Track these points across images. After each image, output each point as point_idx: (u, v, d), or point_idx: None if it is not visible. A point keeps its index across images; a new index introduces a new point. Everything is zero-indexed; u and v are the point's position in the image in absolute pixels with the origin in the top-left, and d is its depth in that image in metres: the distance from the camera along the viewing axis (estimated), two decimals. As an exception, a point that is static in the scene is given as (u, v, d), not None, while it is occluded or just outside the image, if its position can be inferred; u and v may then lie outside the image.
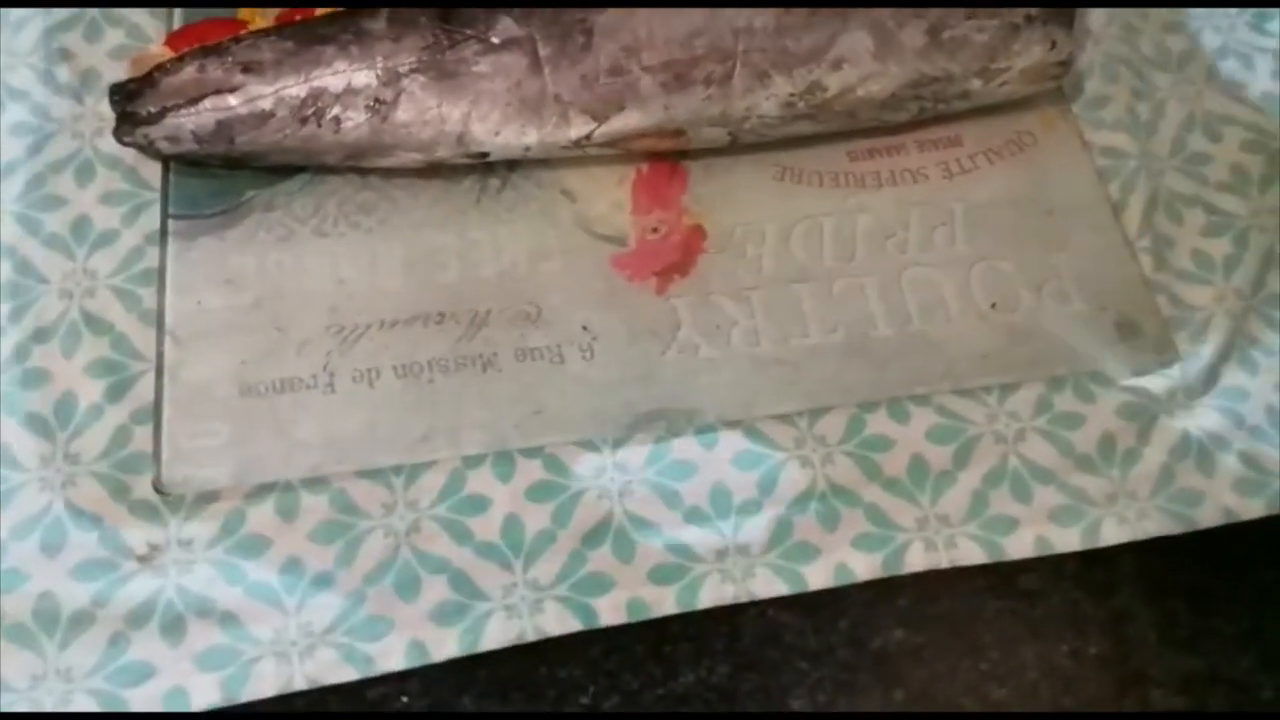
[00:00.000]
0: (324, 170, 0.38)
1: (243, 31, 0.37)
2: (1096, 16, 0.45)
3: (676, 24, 0.37)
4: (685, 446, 0.35)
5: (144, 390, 0.35)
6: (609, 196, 0.39)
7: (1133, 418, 0.37)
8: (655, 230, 0.39)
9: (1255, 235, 0.40)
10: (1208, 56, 0.44)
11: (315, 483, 0.34)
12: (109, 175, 0.38)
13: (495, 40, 0.36)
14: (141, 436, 0.34)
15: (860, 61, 0.38)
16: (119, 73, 0.39)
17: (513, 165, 0.39)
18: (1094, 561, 0.35)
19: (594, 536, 0.34)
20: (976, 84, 0.40)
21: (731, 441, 0.36)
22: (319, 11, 0.38)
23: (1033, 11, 0.39)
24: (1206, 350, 0.38)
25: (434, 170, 0.39)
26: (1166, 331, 0.38)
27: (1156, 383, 0.37)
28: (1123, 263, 0.40)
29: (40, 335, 0.35)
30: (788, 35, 0.38)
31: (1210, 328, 0.38)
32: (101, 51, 0.40)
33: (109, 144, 0.37)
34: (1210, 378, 0.38)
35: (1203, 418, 0.37)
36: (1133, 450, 0.36)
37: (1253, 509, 0.35)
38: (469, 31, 0.36)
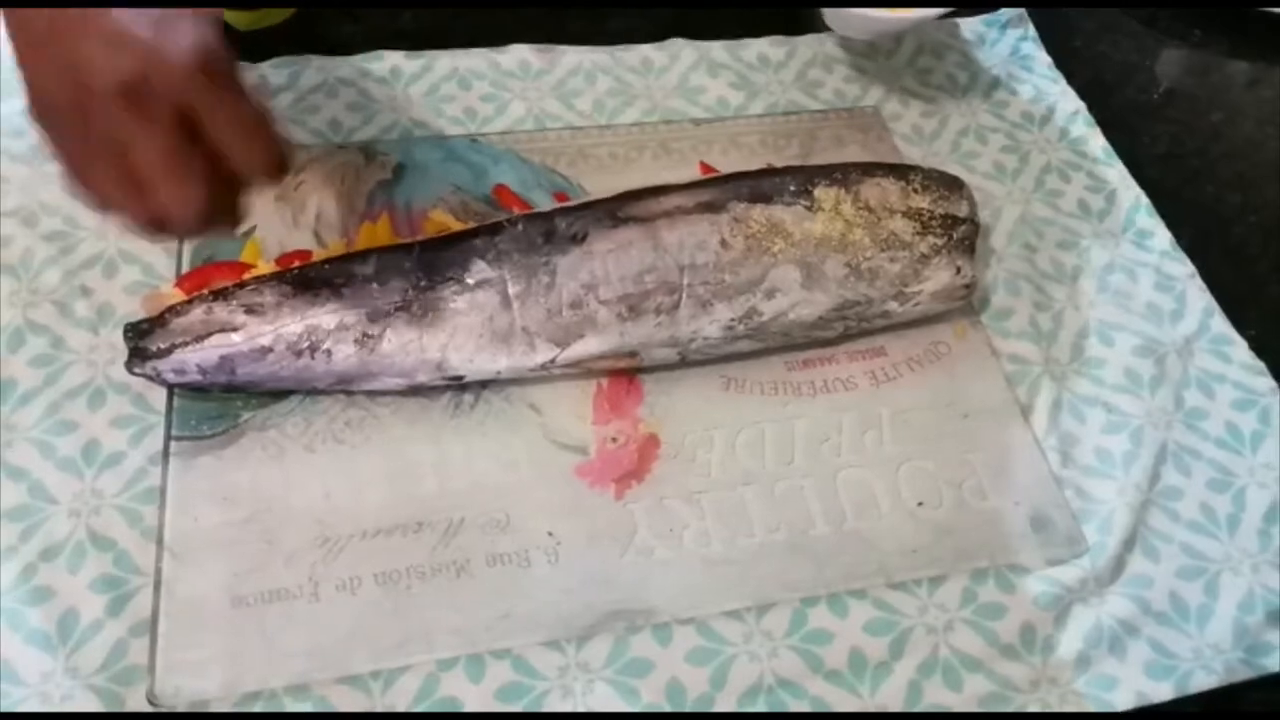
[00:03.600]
0: (315, 393, 0.42)
1: (247, 275, 0.42)
2: (999, 237, 0.52)
3: (629, 263, 0.43)
4: (643, 644, 0.38)
5: (142, 604, 0.37)
6: (572, 409, 0.44)
7: (1049, 606, 0.40)
8: (614, 440, 0.43)
9: (1149, 432, 0.45)
10: (1097, 271, 0.51)
11: (298, 690, 0.36)
12: (119, 400, 0.42)
13: (470, 281, 0.42)
14: (138, 649, 0.36)
15: (790, 290, 0.44)
16: (132, 306, 0.44)
17: (485, 382, 0.44)
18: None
19: (559, 735, 0.36)
20: (894, 305, 0.45)
21: (685, 638, 0.39)
22: (315, 255, 0.44)
23: (938, 242, 0.46)
24: (1112, 541, 0.42)
25: (414, 388, 0.43)
26: (1076, 524, 0.43)
27: (1069, 573, 0.41)
28: (1033, 461, 0.44)
29: (47, 554, 0.38)
30: (726, 270, 0.43)
31: (1114, 519, 0.43)
32: (117, 287, 0.45)
33: (119, 372, 0.41)
34: (1117, 567, 0.42)
35: (1113, 605, 0.41)
36: (1051, 638, 0.40)
37: (1162, 692, 0.39)
38: (448, 274, 0.41)
